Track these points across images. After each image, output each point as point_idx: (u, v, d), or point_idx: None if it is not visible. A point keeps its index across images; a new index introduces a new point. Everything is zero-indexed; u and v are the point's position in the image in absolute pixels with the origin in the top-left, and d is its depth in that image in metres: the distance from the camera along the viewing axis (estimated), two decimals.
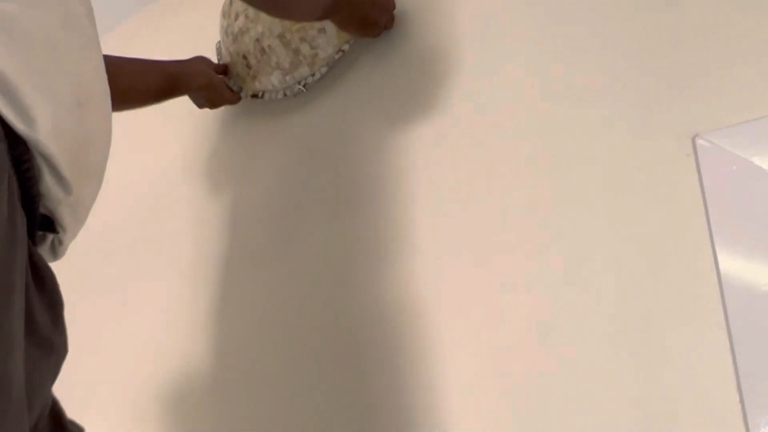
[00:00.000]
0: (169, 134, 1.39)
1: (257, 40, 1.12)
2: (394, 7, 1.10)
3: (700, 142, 0.71)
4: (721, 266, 0.67)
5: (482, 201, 0.89)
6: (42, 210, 0.60)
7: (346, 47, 1.09)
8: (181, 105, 1.20)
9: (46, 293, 0.58)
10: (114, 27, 1.57)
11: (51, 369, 0.60)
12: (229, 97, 1.19)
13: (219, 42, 1.25)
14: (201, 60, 1.18)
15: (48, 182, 0.58)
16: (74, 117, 0.58)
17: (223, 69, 1.21)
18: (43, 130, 0.54)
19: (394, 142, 1.03)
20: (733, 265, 0.67)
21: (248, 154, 1.23)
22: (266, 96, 1.16)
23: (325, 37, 1.09)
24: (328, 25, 1.07)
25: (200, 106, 1.20)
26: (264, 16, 1.10)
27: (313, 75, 1.12)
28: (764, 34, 0.72)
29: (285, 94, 1.14)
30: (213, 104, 1.20)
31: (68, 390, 0.67)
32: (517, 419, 0.78)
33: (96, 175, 0.66)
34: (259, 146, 1.21)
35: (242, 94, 1.19)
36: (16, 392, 0.51)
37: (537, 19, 0.94)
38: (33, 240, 0.59)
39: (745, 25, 0.74)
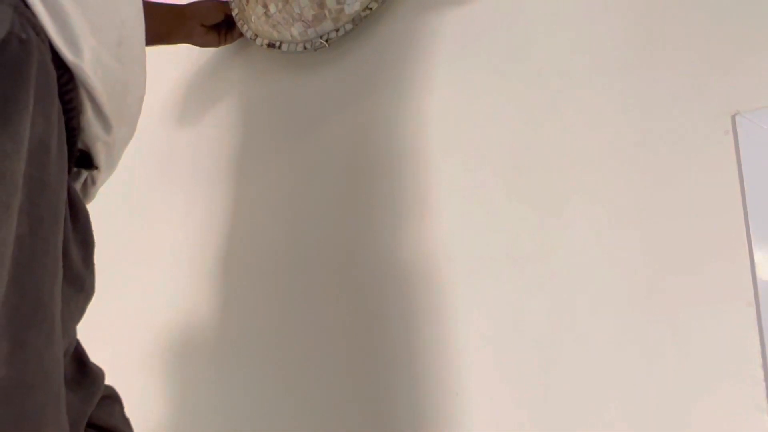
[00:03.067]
0: (175, 77, 1.36)
1: None
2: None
3: (740, 120, 0.70)
4: (755, 250, 0.66)
5: (507, 166, 0.88)
6: (80, 145, 0.61)
7: (374, 5, 1.06)
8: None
9: (79, 229, 0.59)
10: None
11: (79, 308, 0.60)
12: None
13: None
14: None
15: (89, 115, 0.59)
16: (114, 55, 0.60)
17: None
18: (89, 62, 0.56)
19: (415, 105, 1.01)
20: (766, 246, 0.66)
21: (263, 106, 1.21)
22: (284, 47, 1.11)
23: None
24: None
25: (214, 43, 1.19)
26: None
27: (336, 31, 1.08)
28: None
29: (305, 47, 1.10)
30: (220, 40, 1.18)
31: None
32: (531, 379, 0.78)
33: (130, 118, 0.67)
34: (276, 99, 1.19)
35: (258, 42, 1.14)
36: (57, 321, 0.51)
37: None
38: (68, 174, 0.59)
39: None
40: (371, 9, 1.06)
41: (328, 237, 1.05)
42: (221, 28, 1.19)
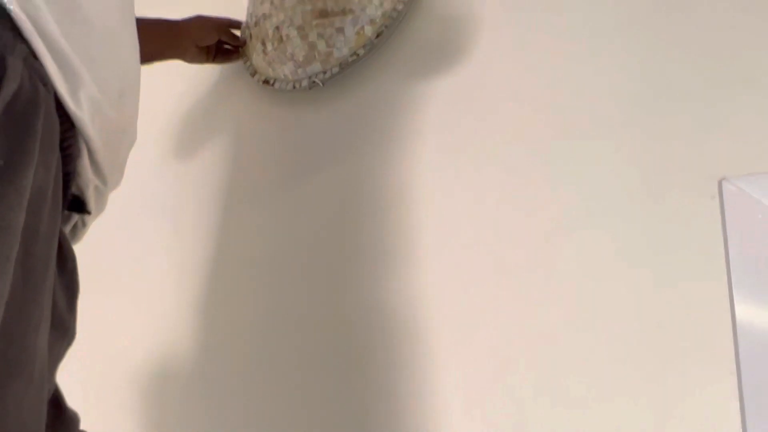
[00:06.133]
0: (171, 107, 1.36)
1: (277, 27, 1.10)
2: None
3: (726, 186, 0.71)
4: (737, 311, 0.67)
5: (493, 218, 0.89)
6: (73, 189, 0.62)
7: (361, 51, 1.08)
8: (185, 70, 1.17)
9: (66, 275, 0.59)
10: None
11: (61, 352, 0.61)
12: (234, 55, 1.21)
13: (244, 22, 1.23)
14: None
15: (84, 162, 0.60)
16: (114, 106, 0.61)
17: (242, 43, 1.21)
18: (89, 112, 0.57)
19: (402, 147, 1.02)
20: (748, 311, 0.67)
21: (254, 141, 1.22)
22: (276, 85, 1.14)
23: (343, 38, 1.07)
24: (348, 26, 1.06)
25: (203, 61, 1.19)
26: (288, 5, 1.09)
27: (324, 72, 1.10)
28: None
29: (294, 87, 1.12)
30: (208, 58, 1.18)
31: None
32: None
33: (121, 166, 0.68)
34: (267, 134, 1.20)
35: (255, 78, 1.17)
36: (38, 371, 0.52)
37: (560, 50, 0.94)
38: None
39: None
40: (358, 55, 1.08)
41: (312, 278, 1.04)
42: (211, 47, 1.19)
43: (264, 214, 1.15)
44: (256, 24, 1.15)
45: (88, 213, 0.65)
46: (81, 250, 0.67)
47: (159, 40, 1.10)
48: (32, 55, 0.52)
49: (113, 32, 0.62)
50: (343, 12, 1.06)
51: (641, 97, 0.83)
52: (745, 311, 0.67)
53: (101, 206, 0.68)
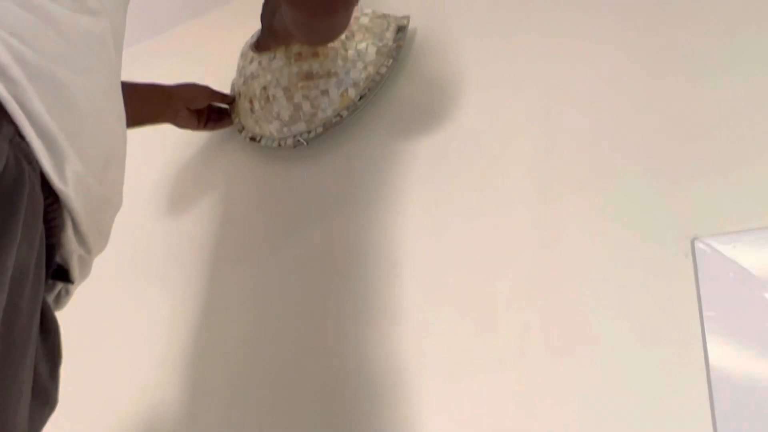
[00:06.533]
0: (159, 160, 1.38)
1: (264, 87, 1.15)
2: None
3: (698, 245, 0.75)
4: (711, 368, 0.69)
5: (476, 276, 0.91)
6: (57, 259, 0.62)
7: (345, 113, 1.12)
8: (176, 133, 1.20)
9: (49, 344, 0.60)
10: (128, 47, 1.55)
11: (43, 420, 0.60)
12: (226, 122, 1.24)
13: (233, 81, 1.29)
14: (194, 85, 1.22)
15: (69, 233, 0.61)
16: (98, 178, 0.63)
17: (231, 99, 1.25)
18: (73, 187, 0.59)
19: (385, 204, 1.05)
20: (723, 366, 0.69)
21: (241, 196, 1.24)
22: (263, 141, 1.19)
23: (328, 100, 1.11)
24: (332, 88, 1.10)
25: (193, 126, 1.22)
26: (275, 66, 1.13)
27: (309, 132, 1.14)
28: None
29: (279, 144, 1.17)
30: (199, 125, 1.21)
31: None
32: None
33: (105, 233, 0.69)
34: (254, 190, 1.22)
35: (243, 134, 1.22)
36: None
37: (538, 116, 0.98)
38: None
39: (752, 134, 0.79)
40: (342, 116, 1.12)
41: (299, 335, 1.04)
42: (202, 114, 1.23)
43: (250, 270, 1.16)
44: (245, 82, 1.20)
45: (72, 282, 0.66)
46: (68, 306, 0.67)
47: (150, 103, 1.14)
48: (18, 135, 0.53)
49: (98, 106, 0.63)
50: (328, 75, 1.10)
51: (615, 156, 0.87)
52: (719, 369, 0.68)
53: (85, 273, 0.69)
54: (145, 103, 1.13)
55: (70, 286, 0.67)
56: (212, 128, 1.26)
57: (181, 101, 1.17)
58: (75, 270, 0.65)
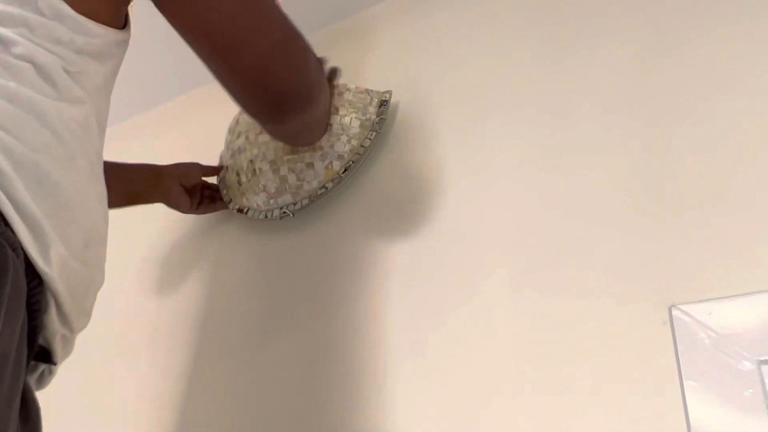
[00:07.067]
0: (149, 234, 1.40)
1: (251, 161, 1.18)
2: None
3: (675, 312, 0.77)
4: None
5: (463, 346, 0.91)
6: (41, 341, 0.63)
7: (330, 185, 1.15)
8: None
9: (29, 425, 0.60)
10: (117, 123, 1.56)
11: None
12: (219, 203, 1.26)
13: (221, 154, 1.32)
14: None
15: (52, 315, 0.62)
16: (80, 258, 0.64)
17: (218, 171, 1.27)
18: (57, 269, 0.60)
19: (370, 275, 1.07)
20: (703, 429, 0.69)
21: (228, 268, 1.26)
22: (249, 213, 1.21)
23: (313, 172, 1.14)
24: (317, 161, 1.13)
25: (186, 206, 1.23)
26: (261, 141, 1.16)
27: (294, 204, 1.17)
28: (743, 214, 0.80)
29: (266, 216, 1.19)
30: (191, 207, 1.23)
31: None
32: None
33: (88, 311, 0.70)
34: (241, 260, 1.24)
35: (230, 206, 1.24)
36: None
37: (522, 180, 1.01)
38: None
39: (728, 205, 0.82)
40: (327, 188, 1.15)
41: (286, 411, 1.04)
42: (195, 194, 1.24)
43: (237, 343, 1.17)
44: (232, 156, 1.23)
45: (55, 364, 0.66)
46: (52, 384, 0.67)
47: (141, 181, 1.16)
48: (3, 222, 0.55)
49: (80, 190, 0.65)
50: (313, 148, 1.13)
51: (593, 227, 0.89)
52: (699, 428, 0.69)
53: (68, 351, 0.69)
54: (137, 182, 1.15)
55: (53, 367, 0.67)
56: (204, 211, 1.27)
57: (172, 178, 1.19)
58: (58, 351, 0.65)
